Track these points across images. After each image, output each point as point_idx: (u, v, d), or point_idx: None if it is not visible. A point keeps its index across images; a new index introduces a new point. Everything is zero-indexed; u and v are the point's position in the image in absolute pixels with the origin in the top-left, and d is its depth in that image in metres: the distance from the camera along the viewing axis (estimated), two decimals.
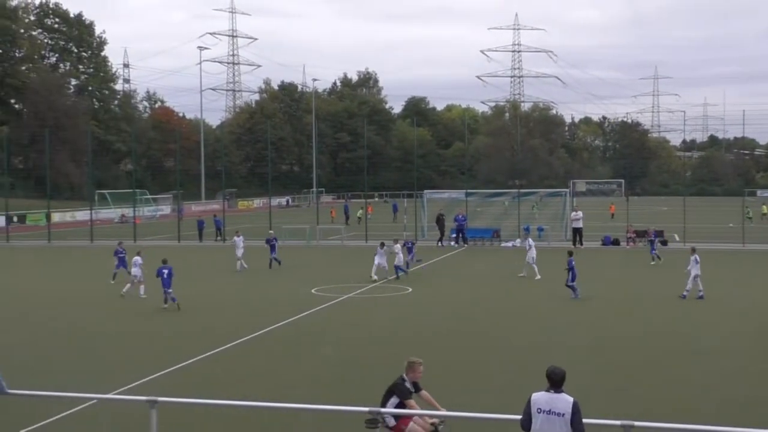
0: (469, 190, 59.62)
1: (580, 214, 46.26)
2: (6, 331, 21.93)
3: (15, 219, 68.42)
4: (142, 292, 27.89)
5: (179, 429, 12.69)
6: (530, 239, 34.09)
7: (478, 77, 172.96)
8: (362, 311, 25.09)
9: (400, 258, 32.80)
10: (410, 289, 29.36)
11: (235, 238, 36.97)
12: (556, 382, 8.61)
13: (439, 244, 47.37)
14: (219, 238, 52.67)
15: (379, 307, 25.80)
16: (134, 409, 12.44)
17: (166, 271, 25.90)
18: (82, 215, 75.39)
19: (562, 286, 27.06)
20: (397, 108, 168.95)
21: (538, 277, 31.72)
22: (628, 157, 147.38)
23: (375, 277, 31.88)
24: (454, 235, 47.98)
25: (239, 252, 36.23)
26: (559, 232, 50.11)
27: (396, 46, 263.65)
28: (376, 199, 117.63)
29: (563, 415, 8.46)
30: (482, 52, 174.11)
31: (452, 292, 28.78)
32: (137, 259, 28.47)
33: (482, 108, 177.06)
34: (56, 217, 73.32)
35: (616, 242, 46.55)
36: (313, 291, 28.82)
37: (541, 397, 8.63)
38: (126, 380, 16.02)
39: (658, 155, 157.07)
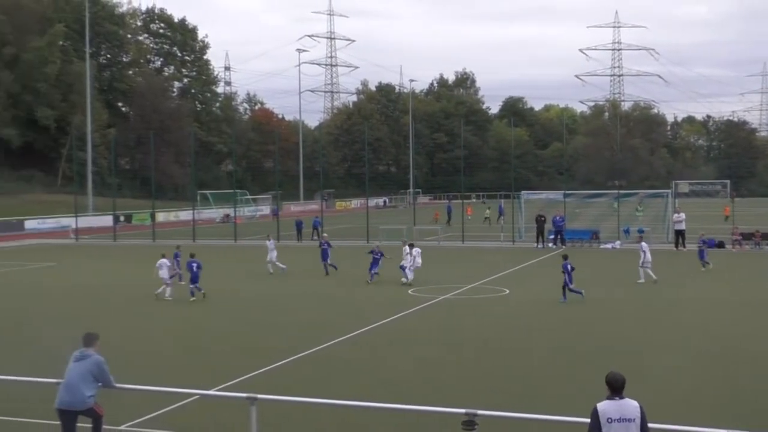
0: (567, 191, 58.79)
1: (682, 215, 45.09)
2: (117, 328, 22.55)
3: (122, 218, 70.60)
4: (167, 294, 28.15)
5: (277, 426, 12.86)
6: (644, 243, 32.15)
7: (576, 76, 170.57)
8: (459, 312, 24.99)
9: (408, 261, 31.88)
10: (507, 291, 29.13)
11: (267, 242, 36.64)
12: (617, 388, 8.56)
13: (538, 245, 46.88)
14: (316, 238, 53.26)
15: (475, 309, 25.66)
16: (235, 406, 12.62)
17: (195, 265, 27.10)
18: (185, 215, 77.28)
19: (668, 288, 26.43)
20: (494, 108, 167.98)
21: (641, 280, 31.06)
22: (733, 156, 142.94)
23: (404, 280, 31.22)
24: (553, 237, 47.41)
25: (272, 255, 35.47)
26: (661, 234, 48.95)
27: (494, 46, 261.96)
28: (474, 200, 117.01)
29: (634, 420, 8.41)
30: (581, 50, 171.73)
31: (551, 294, 28.39)
32: (164, 261, 28.61)
33: (581, 108, 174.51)
34: (160, 216, 75.39)
35: (720, 245, 45.14)
36: (409, 292, 28.87)
37: (608, 406, 8.50)
38: (227, 377, 16.31)
39: (766, 155, 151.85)
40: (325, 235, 39.69)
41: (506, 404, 13.45)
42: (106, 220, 67.64)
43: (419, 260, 32.01)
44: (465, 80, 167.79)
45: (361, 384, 16.13)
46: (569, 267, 26.73)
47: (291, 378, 16.73)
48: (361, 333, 21.45)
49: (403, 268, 31.96)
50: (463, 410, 9.75)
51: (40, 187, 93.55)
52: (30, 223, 68.77)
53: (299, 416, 13.63)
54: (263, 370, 17.24)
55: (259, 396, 10.60)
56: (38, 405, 13.30)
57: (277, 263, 35.41)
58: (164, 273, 28.36)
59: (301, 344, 19.72)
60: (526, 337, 20.96)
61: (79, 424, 11.10)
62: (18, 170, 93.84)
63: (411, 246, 32.51)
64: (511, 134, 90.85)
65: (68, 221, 65.91)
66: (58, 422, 11.07)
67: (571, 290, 26.61)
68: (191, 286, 27.67)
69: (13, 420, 13.65)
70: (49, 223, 70.26)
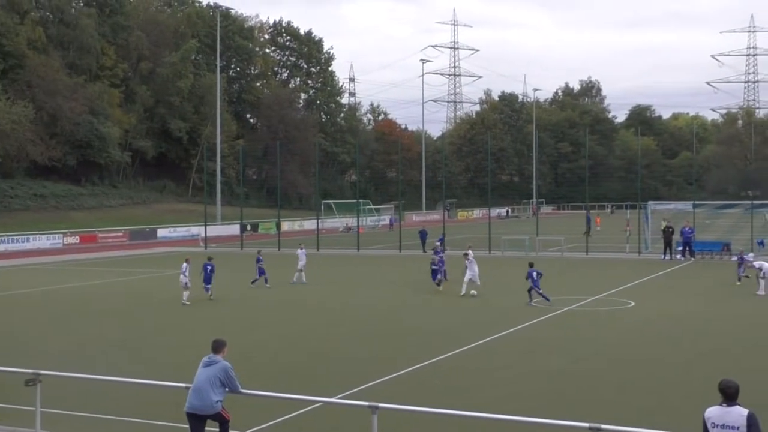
0: (696, 201, 56.95)
1: None
2: (241, 334, 23.19)
3: (248, 227, 72.35)
4: (185, 298, 28.98)
5: None
6: (748, 255, 31.33)
7: (707, 83, 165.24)
8: (582, 324, 24.53)
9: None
10: (633, 303, 28.42)
11: (298, 250, 36.75)
12: (730, 395, 8.52)
13: (665, 257, 45.58)
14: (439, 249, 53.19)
15: (600, 321, 25.14)
16: (356, 414, 12.72)
17: (209, 267, 29.02)
18: (309, 224, 78.68)
19: None
20: (620, 117, 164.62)
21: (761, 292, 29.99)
22: None
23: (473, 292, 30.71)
24: (681, 248, 46.01)
25: (300, 264, 35.67)
26: None
27: (620, 53, 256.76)
28: (606, 210, 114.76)
29: (738, 428, 8.33)
30: (713, 56, 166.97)
31: (678, 308, 27.56)
32: (184, 266, 29.44)
33: (712, 116, 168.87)
34: (285, 225, 76.94)
35: None
36: (531, 303, 28.53)
37: (714, 412, 8.55)
38: (349, 385, 16.46)
39: None
40: (437, 243, 39.37)
41: (631, 418, 13.13)
42: (234, 229, 69.54)
43: (475, 269, 31.04)
44: (590, 89, 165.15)
45: (483, 395, 16.01)
46: (534, 274, 28.22)
47: (413, 387, 16.73)
48: (482, 343, 21.30)
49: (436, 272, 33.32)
50: (587, 424, 9.57)
51: (172, 196, 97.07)
52: (162, 232, 71.35)
53: (420, 426, 13.60)
54: (385, 378, 17.30)
55: (381, 405, 10.62)
56: (170, 408, 13.75)
57: (302, 273, 35.42)
58: (184, 278, 29.26)
59: (422, 353, 19.72)
60: (651, 350, 20.37)
61: (207, 428, 11.40)
62: (152, 180, 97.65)
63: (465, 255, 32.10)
64: (638, 143, 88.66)
65: (198, 230, 68.09)
66: (187, 425, 11.39)
67: (539, 294, 27.93)
68: (205, 285, 29.68)
69: (145, 422, 14.12)
70: (180, 231, 72.74)
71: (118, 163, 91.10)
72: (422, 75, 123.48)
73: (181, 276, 29.39)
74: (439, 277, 33.29)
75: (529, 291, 28.48)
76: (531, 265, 29.11)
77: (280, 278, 36.26)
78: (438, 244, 39.31)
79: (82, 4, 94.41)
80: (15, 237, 60.86)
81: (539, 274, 28.48)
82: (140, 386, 14.35)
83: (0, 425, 13.79)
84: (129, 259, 52.41)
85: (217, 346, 11.58)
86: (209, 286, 29.96)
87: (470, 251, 33.07)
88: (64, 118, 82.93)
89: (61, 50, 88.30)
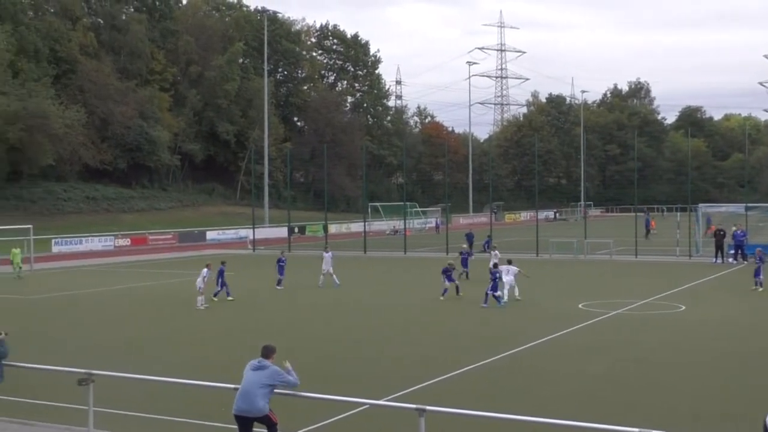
0: (749, 204, 56.01)
1: None
2: (286, 336, 23.28)
3: (296, 230, 72.78)
4: (199, 303, 29.05)
5: None
6: None
7: (760, 83, 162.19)
8: (632, 328, 24.26)
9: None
10: (683, 307, 28.06)
11: (324, 253, 36.89)
12: None
13: (717, 260, 44.92)
14: (487, 250, 53.01)
15: (649, 325, 24.85)
16: (404, 417, 12.70)
17: (223, 270, 30.66)
18: (356, 227, 78.82)
19: None
20: (670, 118, 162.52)
21: None
22: None
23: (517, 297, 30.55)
24: (733, 252, 45.31)
25: (326, 267, 35.90)
26: None
27: (670, 54, 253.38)
28: (657, 213, 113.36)
29: None
30: (766, 56, 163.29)
31: (730, 312, 27.15)
32: (205, 271, 29.70)
33: (765, 116, 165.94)
34: (333, 228, 77.16)
35: None
36: (579, 306, 28.32)
37: None
38: (397, 387, 16.49)
39: None
40: (464, 246, 39.66)
41: (679, 424, 12.98)
42: (281, 232, 69.98)
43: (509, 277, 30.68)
44: (639, 90, 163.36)
45: (531, 398, 15.96)
46: (498, 275, 28.84)
47: (460, 390, 16.70)
48: (531, 346, 21.21)
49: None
50: (636, 429, 9.50)
51: (221, 199, 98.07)
52: (211, 234, 72.05)
53: (468, 429, 13.55)
54: (432, 381, 17.28)
55: (428, 407, 10.62)
56: (219, 409, 13.90)
57: (334, 276, 35.61)
58: (200, 282, 29.37)
59: (470, 356, 19.69)
60: (702, 355, 20.12)
61: (255, 430, 11.54)
62: (200, 183, 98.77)
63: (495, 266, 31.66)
64: (688, 145, 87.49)
65: (246, 232, 68.65)
66: (236, 426, 11.52)
67: (494, 296, 28.42)
68: (219, 288, 30.85)
69: (194, 423, 14.29)
70: (228, 233, 73.37)
71: (168, 166, 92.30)
72: (469, 77, 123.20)
73: (199, 280, 29.53)
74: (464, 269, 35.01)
75: (487, 294, 28.67)
76: (495, 266, 30.25)
77: (326, 281, 36.38)
78: (465, 246, 40.33)
79: (132, 10, 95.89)
80: (68, 239, 61.89)
81: (500, 277, 29.00)
82: (190, 387, 14.50)
83: (54, 424, 14.04)
84: (178, 261, 52.99)
85: (267, 352, 11.68)
86: (224, 288, 30.80)
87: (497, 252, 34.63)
88: (116, 122, 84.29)
89: (112, 55, 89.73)
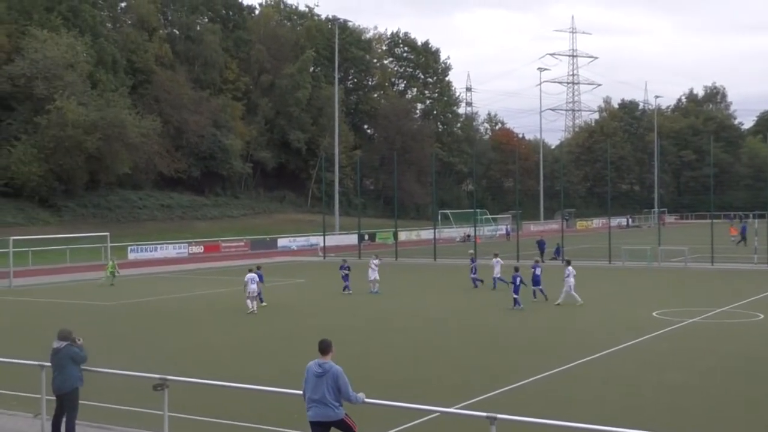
0: None
1: None
2: (357, 343, 23.35)
3: (366, 237, 73.01)
4: (250, 307, 29.77)
5: None
6: None
7: None
8: (708, 337, 23.73)
9: (497, 270, 36.18)
10: (761, 316, 27.33)
11: (372, 260, 37.08)
12: None
13: None
14: (557, 257, 52.54)
15: (726, 334, 24.26)
16: (474, 425, 12.55)
17: (258, 276, 30.60)
18: (426, 234, 78.78)
19: None
20: (747, 123, 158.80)
21: None
22: None
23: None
24: None
25: (372, 275, 36.08)
26: None
27: (746, 58, 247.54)
28: (736, 219, 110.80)
29: None
30: None
31: None
32: (253, 276, 30.28)
33: None
34: (402, 235, 77.27)
35: None
36: (654, 314, 27.83)
37: None
38: (468, 395, 16.41)
39: None
40: (496, 252, 39.65)
41: None
42: (352, 239, 70.33)
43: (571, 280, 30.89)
44: (715, 95, 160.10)
45: (604, 407, 15.75)
46: (518, 280, 29.87)
47: (532, 398, 16.56)
48: (606, 354, 20.92)
49: (495, 279, 36.13)
50: None
51: (292, 206, 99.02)
52: (282, 241, 72.76)
53: None
54: (504, 389, 17.18)
55: (500, 415, 10.54)
56: (291, 414, 13.99)
57: (376, 284, 35.90)
58: (253, 287, 30.05)
59: (542, 364, 19.53)
60: None
61: None
62: (272, 191, 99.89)
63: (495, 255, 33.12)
64: (766, 150, 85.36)
65: (316, 239, 69.19)
66: None
67: (515, 299, 29.68)
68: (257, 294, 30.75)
69: (269, 428, 14.42)
70: (299, 241, 74.02)
71: (240, 174, 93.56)
72: (540, 83, 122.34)
73: (252, 285, 30.10)
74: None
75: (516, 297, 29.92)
76: (516, 269, 30.89)
77: (395, 288, 36.48)
78: (471, 252, 42.17)
79: (206, 21, 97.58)
80: (143, 246, 63.19)
81: (522, 282, 30.11)
82: (264, 393, 14.55)
83: (130, 428, 14.31)
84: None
85: (326, 347, 11.42)
86: (259, 293, 30.93)
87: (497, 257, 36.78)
88: (189, 131, 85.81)
89: (186, 65, 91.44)
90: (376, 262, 36.84)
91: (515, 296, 29.81)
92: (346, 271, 35.94)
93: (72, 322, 21.17)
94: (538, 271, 32.53)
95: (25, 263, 50.89)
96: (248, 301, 30.04)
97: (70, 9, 78.68)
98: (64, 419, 13.55)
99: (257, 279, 30.56)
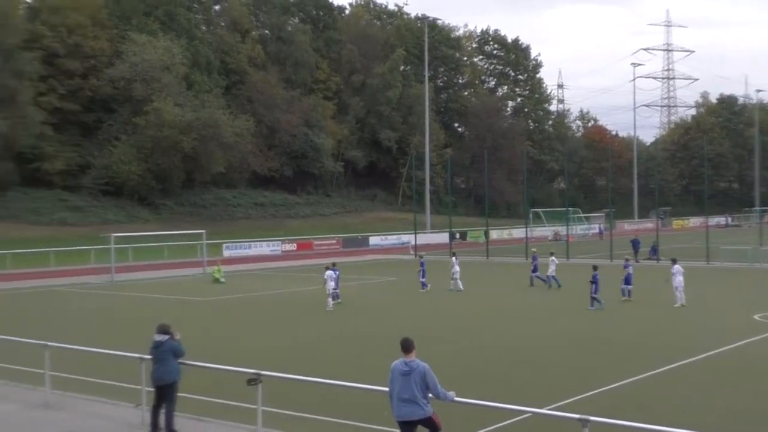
0: None
1: None
2: (450, 342, 23.36)
3: (457, 236, 72.90)
4: (330, 305, 30.27)
5: None
6: None
7: None
8: None
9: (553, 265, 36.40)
10: None
11: (453, 259, 37.58)
12: None
13: None
14: (653, 257, 51.53)
15: None
16: (567, 427, 12.33)
17: (336, 273, 31.41)
18: (517, 233, 78.22)
19: None
20: None
21: None
22: None
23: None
24: None
25: (454, 273, 36.58)
26: None
27: None
28: None
29: None
30: None
31: None
32: (330, 273, 30.95)
33: None
34: (494, 234, 76.87)
35: None
36: (755, 317, 27.03)
37: None
38: (561, 396, 16.28)
39: None
40: (552, 252, 39.88)
41: None
42: (443, 237, 70.33)
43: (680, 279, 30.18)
44: None
45: (703, 413, 15.43)
46: (597, 277, 29.27)
47: (625, 401, 16.31)
48: (702, 358, 20.47)
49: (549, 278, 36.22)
50: None
51: (382, 205, 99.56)
52: (373, 239, 73.25)
53: None
54: (598, 390, 16.98)
55: (592, 418, 10.44)
56: (381, 412, 14.08)
57: (458, 281, 36.38)
58: (331, 285, 30.77)
59: (638, 366, 19.22)
60: None
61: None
62: (363, 189, 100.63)
63: (674, 261, 31.34)
64: None
65: (407, 238, 69.39)
66: (398, 430, 11.50)
67: (594, 298, 29.27)
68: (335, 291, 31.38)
69: (359, 425, 14.54)
70: (390, 239, 74.41)
71: (331, 172, 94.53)
72: (634, 79, 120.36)
73: (331, 283, 30.83)
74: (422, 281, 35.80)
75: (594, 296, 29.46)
76: (595, 268, 30.17)
77: (485, 286, 36.27)
78: (534, 250, 41.48)
79: (298, 21, 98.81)
80: (238, 243, 64.45)
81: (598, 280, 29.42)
82: (353, 389, 14.62)
83: (226, 421, 14.66)
84: (342, 266, 53.91)
85: (408, 346, 11.33)
86: (337, 290, 31.60)
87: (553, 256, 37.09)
88: (282, 131, 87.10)
89: (278, 66, 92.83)
90: (457, 260, 37.51)
91: (594, 296, 29.44)
92: (422, 268, 36.73)
93: (168, 317, 21.73)
94: (630, 270, 32.13)
95: (126, 259, 52.47)
96: (329, 299, 30.70)
97: (167, 13, 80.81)
98: (162, 410, 13.95)
99: (334, 276, 31.20)
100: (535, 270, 38.30)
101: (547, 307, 31.07)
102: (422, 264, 37.14)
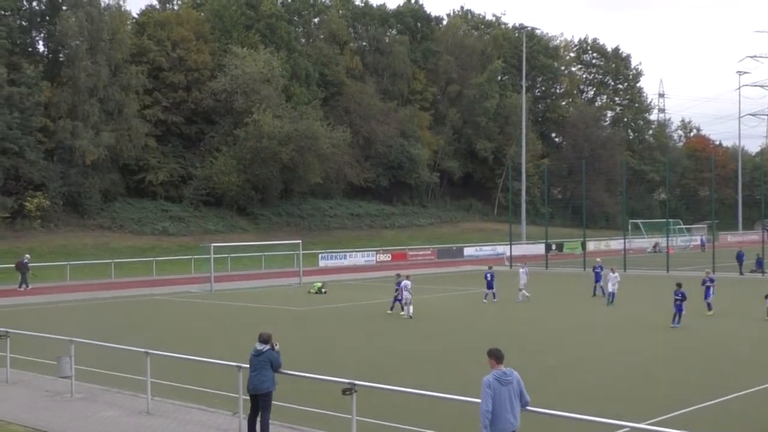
0: None
1: None
2: (550, 354, 23.28)
3: (553, 247, 72.15)
4: (407, 314, 31.13)
5: None
6: None
7: None
8: None
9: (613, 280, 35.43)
10: None
11: (520, 269, 38.18)
12: None
13: None
14: (758, 270, 50.01)
15: None
16: None
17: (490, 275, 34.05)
18: (616, 244, 76.98)
19: None
20: None
21: None
22: None
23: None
24: None
25: (522, 282, 37.16)
26: None
27: None
28: None
29: None
30: None
31: None
32: (407, 283, 31.68)
33: None
34: (591, 245, 75.85)
35: None
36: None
37: None
38: (661, 411, 16.08)
39: None
40: (597, 260, 39.69)
41: None
42: (539, 248, 69.71)
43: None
44: None
45: None
46: (681, 295, 28.36)
47: (726, 417, 16.10)
48: None
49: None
50: None
51: (478, 215, 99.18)
52: (468, 250, 73.09)
53: None
54: (697, 406, 16.77)
55: None
56: (473, 422, 14.07)
57: (524, 291, 36.87)
58: (406, 295, 31.55)
59: (740, 382, 18.87)
60: None
61: None
62: (458, 200, 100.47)
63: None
64: None
65: (503, 248, 69.07)
66: None
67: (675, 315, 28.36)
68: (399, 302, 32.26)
69: None
70: (486, 250, 74.15)
71: (427, 183, 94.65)
72: (739, 87, 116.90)
73: (405, 294, 31.72)
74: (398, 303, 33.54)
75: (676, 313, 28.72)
76: (679, 285, 29.02)
77: (573, 299, 35.84)
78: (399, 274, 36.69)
79: (395, 33, 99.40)
80: (334, 253, 65.24)
81: (684, 297, 28.52)
82: (445, 400, 14.65)
83: (320, 430, 14.94)
84: (437, 276, 54.20)
85: (500, 357, 11.17)
86: (400, 300, 32.26)
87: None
88: (378, 142, 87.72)
89: (375, 77, 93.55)
90: (524, 270, 38.26)
91: (678, 312, 28.46)
92: (489, 279, 37.32)
93: (265, 326, 22.17)
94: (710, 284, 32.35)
95: (224, 269, 53.67)
96: (408, 308, 31.58)
97: (268, 26, 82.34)
98: (258, 418, 14.19)
99: (408, 286, 31.91)
100: (598, 279, 38.63)
101: (655, 319, 30.45)
102: (487, 275, 37.70)
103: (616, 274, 36.40)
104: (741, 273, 50.24)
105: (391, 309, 33.23)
